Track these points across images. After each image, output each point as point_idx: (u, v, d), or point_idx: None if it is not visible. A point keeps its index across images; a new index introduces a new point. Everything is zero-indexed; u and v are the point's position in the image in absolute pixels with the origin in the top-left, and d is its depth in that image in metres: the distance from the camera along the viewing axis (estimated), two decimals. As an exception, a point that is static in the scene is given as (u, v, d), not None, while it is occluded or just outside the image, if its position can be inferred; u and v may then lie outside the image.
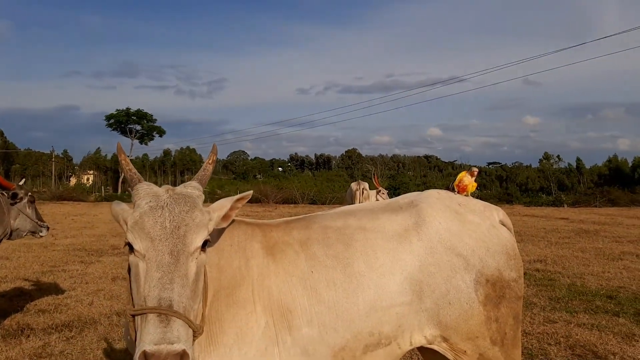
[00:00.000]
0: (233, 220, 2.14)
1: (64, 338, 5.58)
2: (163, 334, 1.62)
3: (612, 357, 4.85)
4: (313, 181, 66.27)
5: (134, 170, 1.97)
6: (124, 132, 67.91)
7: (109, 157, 78.71)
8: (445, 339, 2.33)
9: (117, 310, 6.66)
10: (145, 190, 1.88)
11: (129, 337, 2.03)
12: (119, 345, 5.36)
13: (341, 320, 2.18)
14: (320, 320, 2.15)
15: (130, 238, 1.78)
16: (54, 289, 7.81)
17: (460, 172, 2.85)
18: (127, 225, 1.81)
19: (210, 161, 2.12)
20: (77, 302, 7.10)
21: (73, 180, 72.88)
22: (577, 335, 5.46)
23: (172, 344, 1.61)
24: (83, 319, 6.26)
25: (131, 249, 1.79)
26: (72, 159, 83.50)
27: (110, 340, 5.49)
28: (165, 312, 1.65)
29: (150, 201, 1.83)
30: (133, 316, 1.75)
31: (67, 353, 5.12)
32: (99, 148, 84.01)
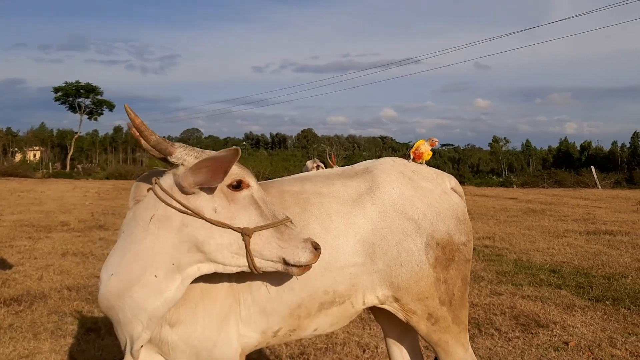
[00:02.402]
0: None
1: (13, 312, 5.45)
2: (301, 230, 2.11)
3: (553, 325, 5.09)
4: (269, 160, 66.06)
5: (159, 137, 2.01)
6: (72, 107, 65.71)
7: (55, 133, 76.11)
8: (396, 300, 2.42)
9: (67, 284, 6.54)
10: (197, 149, 2.07)
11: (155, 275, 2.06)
12: (70, 318, 5.28)
13: (297, 279, 2.23)
14: (278, 280, 2.21)
15: (245, 176, 2.06)
16: (1, 264, 7.59)
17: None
18: (231, 173, 2.03)
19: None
20: (26, 277, 6.92)
21: (18, 156, 70.30)
22: (521, 306, 5.70)
23: None
24: (32, 293, 6.12)
25: (237, 187, 2.04)
26: (16, 134, 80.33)
27: (60, 314, 5.40)
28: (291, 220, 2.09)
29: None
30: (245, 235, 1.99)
31: (17, 326, 5.02)
32: (42, 123, 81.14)
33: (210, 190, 2.01)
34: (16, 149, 76.88)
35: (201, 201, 2.00)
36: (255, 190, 2.07)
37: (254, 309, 2.23)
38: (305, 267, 2.02)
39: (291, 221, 2.06)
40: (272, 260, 2.01)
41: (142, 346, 2.09)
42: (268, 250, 2.00)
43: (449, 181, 2.64)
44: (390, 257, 2.36)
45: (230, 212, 2.01)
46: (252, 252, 1.98)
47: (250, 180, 2.06)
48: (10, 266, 7.52)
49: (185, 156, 1.99)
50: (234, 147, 1.95)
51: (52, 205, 17.11)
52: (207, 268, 2.04)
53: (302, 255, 1.98)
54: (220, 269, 2.04)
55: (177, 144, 2.03)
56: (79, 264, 7.87)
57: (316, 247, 2.01)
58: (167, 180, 2.03)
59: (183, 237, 1.99)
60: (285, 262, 1.99)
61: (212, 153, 2.00)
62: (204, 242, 1.98)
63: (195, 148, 2.07)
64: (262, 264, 2.01)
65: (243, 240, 1.97)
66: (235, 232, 1.98)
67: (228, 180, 2.01)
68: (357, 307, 2.41)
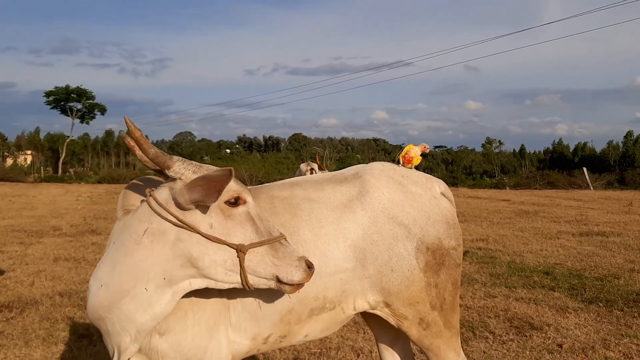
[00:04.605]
0: None
1: (4, 319, 5.40)
2: (296, 248, 2.11)
3: (547, 327, 5.10)
4: (262, 163, 66.02)
5: (156, 148, 2.01)
6: (64, 111, 65.31)
7: (44, 136, 75.67)
8: (387, 305, 2.42)
9: (59, 290, 6.49)
10: (195, 163, 2.07)
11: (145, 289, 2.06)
12: (62, 325, 5.24)
13: None
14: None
15: (242, 193, 2.04)
16: (-8, 270, 7.53)
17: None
18: (229, 188, 2.01)
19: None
20: (17, 283, 6.87)
21: (9, 161, 69.83)
22: (515, 308, 5.71)
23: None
24: (24, 300, 6.07)
25: (234, 204, 2.02)
26: (6, 138, 79.81)
27: (52, 320, 5.35)
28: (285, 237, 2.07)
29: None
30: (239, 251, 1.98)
31: (8, 333, 4.97)
32: (37, 127, 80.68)
33: (206, 205, 1.99)
34: (7, 153, 76.39)
35: (197, 216, 1.98)
36: (252, 206, 2.06)
37: (245, 315, 2.22)
38: (298, 286, 2.01)
39: (285, 238, 2.05)
40: (266, 278, 2.00)
41: (129, 358, 2.07)
42: (262, 268, 1.98)
43: (438, 186, 2.64)
44: (381, 262, 2.35)
45: (227, 229, 1.99)
46: (246, 269, 1.97)
47: (247, 196, 2.05)
48: (1, 272, 7.46)
49: (184, 170, 1.98)
50: (228, 167, 1.94)
51: (43, 209, 17.00)
52: (199, 283, 2.02)
53: (295, 274, 1.97)
54: (212, 284, 2.03)
55: (176, 158, 2.02)
56: (71, 269, 7.81)
57: (309, 266, 2.00)
58: (162, 194, 2.01)
59: (177, 252, 1.97)
60: (279, 280, 1.98)
61: (209, 170, 1.99)
62: (198, 258, 1.96)
63: (194, 162, 2.06)
64: (255, 281, 2.00)
65: (237, 256, 1.96)
66: (230, 249, 1.96)
67: (225, 196, 1.99)
68: (348, 313, 2.41)
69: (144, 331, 2.02)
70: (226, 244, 1.97)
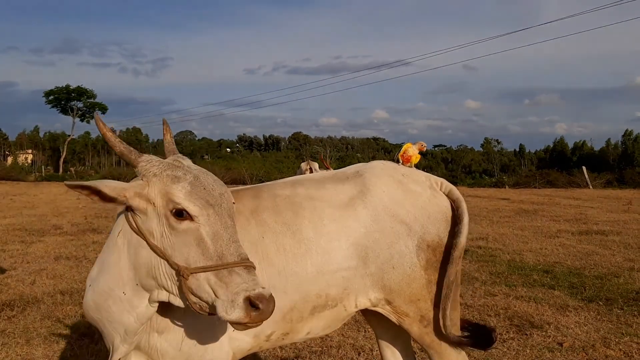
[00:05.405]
0: None
1: (5, 317, 5.42)
2: (256, 281, 1.77)
3: (547, 326, 5.11)
4: (262, 162, 66.03)
5: (125, 144, 1.95)
6: (64, 110, 65.29)
7: (43, 135, 75.59)
8: (389, 302, 2.43)
9: (60, 289, 6.51)
10: (169, 164, 1.93)
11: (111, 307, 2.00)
12: (63, 323, 5.25)
13: (290, 283, 2.26)
14: (271, 284, 2.21)
15: (188, 205, 1.81)
16: (-7, 269, 7.54)
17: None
18: (171, 197, 1.83)
19: (171, 135, 2.20)
20: (19, 282, 6.89)
21: (10, 160, 69.84)
22: (515, 307, 5.72)
23: (264, 288, 1.77)
24: (25, 298, 6.08)
25: (179, 216, 1.82)
26: (7, 137, 79.79)
27: (53, 319, 5.37)
28: (250, 265, 1.80)
29: (187, 172, 1.89)
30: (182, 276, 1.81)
31: (9, 332, 4.98)
32: (37, 126, 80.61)
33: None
34: (8, 152, 76.39)
35: (152, 222, 1.88)
36: (204, 224, 1.82)
37: None
38: (246, 324, 1.76)
39: (249, 265, 1.80)
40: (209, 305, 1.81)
41: (120, 358, 2.09)
42: (205, 293, 1.79)
43: (436, 183, 2.66)
44: (383, 260, 2.37)
45: (172, 242, 1.85)
46: (187, 293, 1.80)
47: (201, 212, 1.82)
48: (2, 271, 7.47)
49: (145, 170, 1.90)
50: (97, 184, 1.85)
51: (44, 208, 17.02)
52: (165, 296, 1.92)
53: (230, 312, 1.73)
54: (177, 302, 1.89)
55: (145, 156, 1.93)
56: (72, 268, 7.82)
57: (255, 305, 1.73)
58: None
59: (139, 259, 1.90)
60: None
61: (187, 172, 1.88)
62: (154, 267, 1.88)
63: (165, 161, 1.94)
64: (203, 308, 1.82)
65: (178, 280, 1.82)
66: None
67: (170, 205, 1.83)
68: (350, 310, 2.43)
69: (131, 332, 2.02)
70: (168, 262, 1.83)
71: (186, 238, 1.82)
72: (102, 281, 2.00)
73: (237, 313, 1.72)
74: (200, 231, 1.82)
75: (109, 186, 1.87)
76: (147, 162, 1.91)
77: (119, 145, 1.92)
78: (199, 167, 1.97)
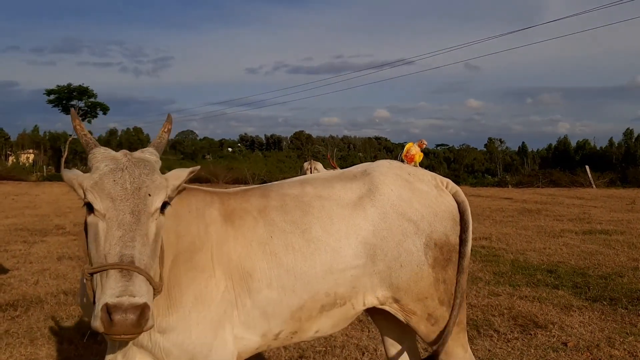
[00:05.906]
0: (184, 188, 2.13)
1: (9, 317, 5.42)
2: (125, 287, 1.62)
3: (551, 326, 5.09)
4: (264, 162, 66.04)
5: (89, 135, 1.96)
6: (65, 109, 65.28)
7: (44, 134, 75.66)
8: (396, 300, 2.44)
9: (63, 289, 6.51)
10: (103, 154, 1.89)
11: (84, 300, 2.01)
12: (67, 323, 5.26)
13: (299, 282, 2.26)
14: (280, 283, 2.23)
15: (91, 198, 1.78)
16: (-4, 269, 7.54)
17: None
18: (83, 187, 1.81)
19: (165, 130, 2.14)
20: (22, 282, 6.89)
21: (11, 160, 69.96)
22: (519, 306, 5.70)
23: (134, 296, 1.61)
24: (28, 298, 6.08)
25: (90, 209, 1.79)
26: (8, 137, 79.83)
27: (57, 319, 5.37)
28: (127, 268, 1.65)
29: (110, 163, 1.84)
30: (91, 275, 1.73)
31: (13, 332, 4.98)
32: (36, 125, 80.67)
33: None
34: (10, 152, 76.50)
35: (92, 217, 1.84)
36: (102, 219, 1.76)
37: (255, 312, 2.23)
38: (109, 336, 1.65)
39: (126, 268, 1.65)
40: None
41: (122, 357, 2.09)
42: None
43: (442, 182, 2.66)
44: (391, 258, 2.38)
45: (90, 237, 1.83)
46: (91, 296, 1.74)
47: (100, 205, 1.76)
48: (6, 271, 7.48)
49: (89, 162, 1.90)
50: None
51: (47, 208, 17.04)
52: None
53: (93, 320, 1.65)
54: None
55: (97, 148, 1.91)
56: (75, 267, 7.82)
57: (110, 317, 1.59)
58: None
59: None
60: None
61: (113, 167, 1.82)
62: None
63: (106, 153, 1.89)
64: None
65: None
66: None
67: (83, 196, 1.82)
68: (358, 309, 2.44)
69: None
70: (87, 257, 1.81)
71: (91, 233, 1.81)
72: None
73: (95, 322, 1.63)
74: (98, 226, 1.78)
75: (66, 175, 1.88)
76: (94, 154, 1.90)
77: (83, 137, 1.93)
78: (137, 160, 1.88)
